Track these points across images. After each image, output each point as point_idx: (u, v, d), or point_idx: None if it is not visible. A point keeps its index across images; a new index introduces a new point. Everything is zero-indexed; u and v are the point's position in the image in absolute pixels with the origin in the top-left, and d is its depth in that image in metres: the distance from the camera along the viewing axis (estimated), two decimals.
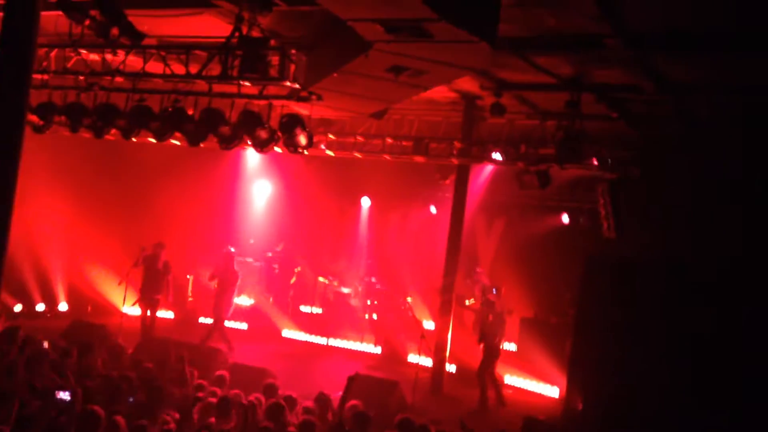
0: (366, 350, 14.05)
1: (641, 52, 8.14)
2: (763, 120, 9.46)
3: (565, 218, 15.05)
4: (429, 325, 14.30)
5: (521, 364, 12.99)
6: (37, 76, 8.62)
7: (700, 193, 10.23)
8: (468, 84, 10.45)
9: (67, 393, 5.81)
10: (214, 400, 7.06)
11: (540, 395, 12.32)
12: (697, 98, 9.72)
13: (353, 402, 7.28)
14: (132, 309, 12.89)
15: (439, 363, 12.01)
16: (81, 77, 8.92)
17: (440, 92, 10.80)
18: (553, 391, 12.19)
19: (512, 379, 12.73)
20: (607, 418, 9.43)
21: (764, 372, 8.47)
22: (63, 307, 14.48)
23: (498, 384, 11.85)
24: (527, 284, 14.33)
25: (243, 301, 16.11)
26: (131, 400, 7.02)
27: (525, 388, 12.59)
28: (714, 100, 9.61)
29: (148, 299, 12.41)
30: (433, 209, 16.16)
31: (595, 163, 10.80)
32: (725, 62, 8.16)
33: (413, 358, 13.19)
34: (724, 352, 8.74)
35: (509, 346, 14.06)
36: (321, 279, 16.07)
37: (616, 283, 9.90)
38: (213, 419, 6.73)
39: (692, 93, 9.49)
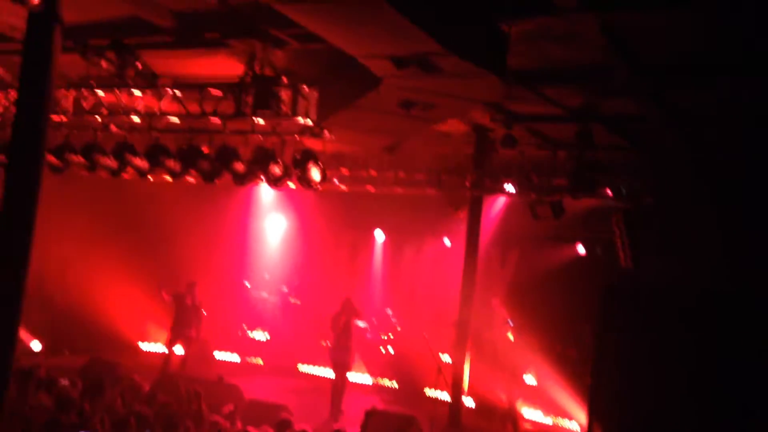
0: (383, 384, 13.93)
1: (649, 82, 8.17)
2: None
3: (581, 249, 14.95)
4: (446, 358, 14.17)
5: (540, 397, 12.81)
6: (55, 117, 8.79)
7: (715, 217, 10.14)
8: (479, 116, 10.52)
9: None
10: None
11: (560, 429, 12.11)
12: (707, 125, 9.70)
13: None
14: (149, 346, 12.93)
15: (457, 396, 11.88)
16: (97, 118, 9.08)
17: (452, 125, 10.87)
18: (573, 425, 11.98)
19: (532, 413, 12.54)
20: None
21: None
22: (81, 345, 14.53)
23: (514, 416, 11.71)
24: (544, 316, 14.17)
25: (259, 335, 16.10)
26: None
27: (544, 422, 12.39)
28: (723, 126, 9.58)
29: (180, 336, 12.47)
30: (447, 242, 16.13)
31: (609, 192, 10.77)
32: (733, 88, 8.16)
33: (431, 392, 13.07)
34: (750, 382, 8.56)
35: (529, 380, 13.89)
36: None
37: (634, 313, 9.78)
38: None
39: (702, 120, 9.48)
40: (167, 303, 12.53)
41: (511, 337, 14.54)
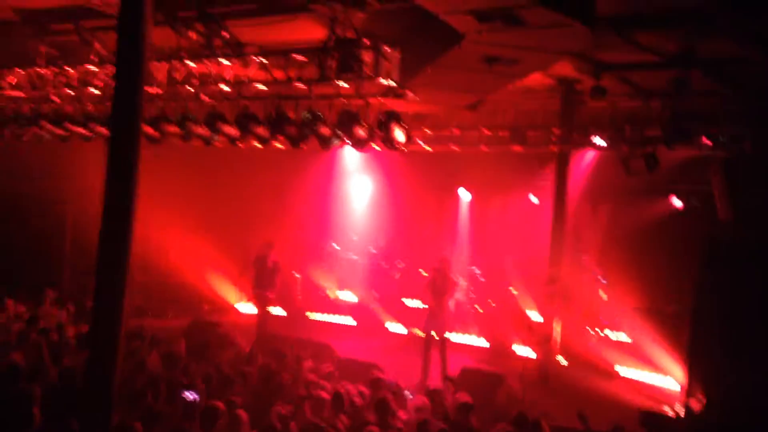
0: (473, 343, 13.99)
1: (750, 20, 7.64)
2: None
3: (677, 202, 14.35)
4: (536, 316, 14.06)
5: (637, 355, 12.53)
6: (150, 90, 9.14)
7: None
8: (565, 68, 10.18)
9: (193, 393, 6.13)
10: (324, 394, 7.25)
11: (658, 387, 11.84)
12: None
13: (463, 398, 7.29)
14: (246, 307, 13.45)
15: (546, 355, 11.80)
16: (189, 88, 9.37)
17: (536, 79, 10.58)
18: (671, 383, 11.68)
19: (628, 371, 12.31)
20: (731, 411, 8.93)
21: None
22: (184, 307, 15.31)
23: None
24: (639, 272, 13.76)
25: (348, 296, 16.46)
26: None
27: (642, 380, 12.14)
28: None
29: (259, 296, 12.92)
30: (534, 198, 15.85)
31: (706, 141, 10.25)
32: None
33: (521, 350, 13.03)
34: None
35: (623, 337, 13.61)
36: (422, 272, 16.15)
37: (736, 267, 9.35)
38: (326, 413, 6.91)
39: None
40: (251, 265, 12.93)
41: (603, 294, 14.25)
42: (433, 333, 11.20)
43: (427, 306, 11.54)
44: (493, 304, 14.71)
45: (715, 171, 10.81)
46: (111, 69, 8.71)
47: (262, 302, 12.92)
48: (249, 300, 13.10)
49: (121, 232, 6.04)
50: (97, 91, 9.96)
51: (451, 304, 11.28)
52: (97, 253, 6.00)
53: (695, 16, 7.54)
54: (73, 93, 10.28)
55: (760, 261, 9.11)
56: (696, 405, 9.75)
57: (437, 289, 11.21)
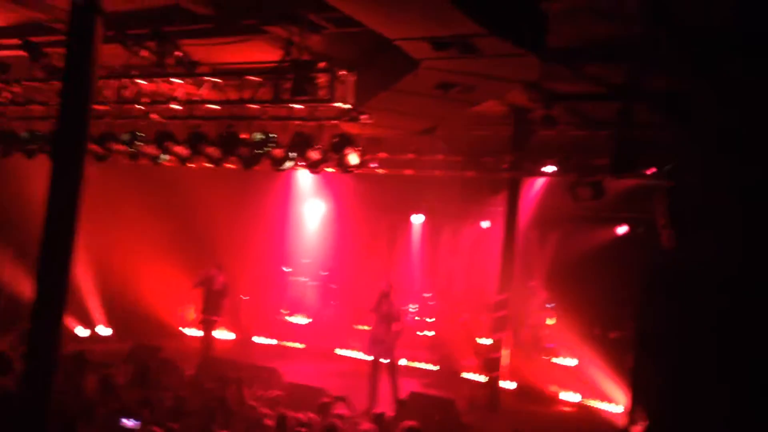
0: (422, 367, 13.97)
1: (694, 56, 7.94)
2: None
3: (622, 229, 14.72)
4: (485, 341, 14.14)
5: (582, 380, 12.70)
6: (97, 107, 8.93)
7: (760, 196, 9.85)
8: (517, 97, 10.38)
9: (131, 420, 5.93)
10: (269, 422, 7.12)
11: (601, 412, 12.01)
12: (754, 101, 9.40)
13: (409, 423, 7.24)
14: (191, 331, 13.15)
15: (495, 379, 11.85)
16: (138, 106, 9.20)
17: (490, 106, 10.74)
18: (615, 408, 11.87)
19: (574, 396, 12.46)
20: None
21: None
22: (124, 331, 14.87)
23: None
24: (585, 298, 14.03)
25: (298, 320, 16.27)
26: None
27: (587, 404, 12.30)
28: None
29: (205, 320, 12.64)
30: (485, 224, 16.03)
31: (651, 171, 10.56)
32: None
33: (469, 375, 13.06)
34: None
35: (569, 362, 13.79)
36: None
37: (677, 294, 9.61)
38: None
39: (748, 96, 9.19)
40: (198, 287, 12.66)
41: (550, 320, 14.45)
42: (382, 359, 11.11)
43: (372, 330, 11.44)
44: (443, 329, 14.73)
45: (659, 200, 11.14)
46: (58, 85, 8.47)
47: (207, 326, 12.64)
48: (195, 324, 12.79)
49: (62, 253, 5.85)
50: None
51: (398, 328, 11.19)
52: (37, 273, 5.80)
53: (639, 51, 7.79)
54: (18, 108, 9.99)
55: (700, 288, 9.37)
56: (638, 429, 9.93)
57: (383, 313, 11.12)
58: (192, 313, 12.79)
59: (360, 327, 15.92)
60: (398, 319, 11.20)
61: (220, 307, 12.69)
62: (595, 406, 12.20)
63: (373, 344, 11.17)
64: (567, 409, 12.27)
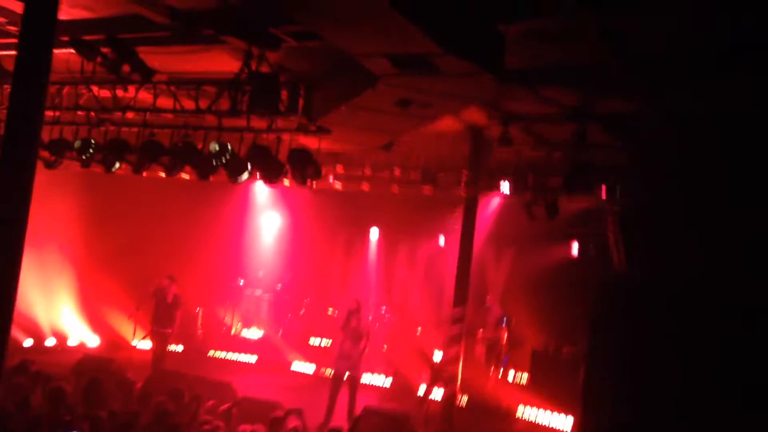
0: (376, 383, 13.94)
1: (645, 80, 8.19)
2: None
3: (575, 248, 14.99)
4: (439, 356, 14.19)
5: (533, 395, 12.85)
6: (49, 113, 8.75)
7: (709, 218, 10.17)
8: (475, 115, 10.52)
9: None
10: None
11: (552, 428, 12.15)
12: (702, 125, 9.72)
13: None
14: (142, 343, 12.88)
15: (450, 394, 11.89)
16: (92, 113, 9.05)
17: (447, 124, 10.87)
18: (566, 422, 12.02)
19: (525, 411, 12.58)
20: None
21: None
22: (72, 342, 14.50)
23: None
24: (538, 315, 14.24)
25: (252, 333, 16.08)
26: None
27: (539, 421, 12.43)
28: (719, 126, 9.61)
29: (157, 333, 12.39)
30: (442, 240, 16.15)
31: (603, 193, 10.81)
32: (729, 88, 8.19)
33: (424, 389, 13.07)
34: (744, 381, 8.62)
35: (521, 378, 13.93)
36: (330, 311, 16.02)
37: (627, 312, 9.82)
38: None
39: (697, 120, 9.51)
40: (149, 299, 12.43)
41: (504, 335, 14.59)
42: (346, 373, 11.06)
43: (338, 346, 11.38)
44: (397, 343, 14.75)
45: (611, 221, 11.40)
46: (8, 89, 8.27)
47: (159, 339, 12.39)
48: (146, 336, 12.53)
49: (8, 262, 5.69)
50: None
51: (365, 345, 11.22)
52: None
53: (592, 74, 7.99)
54: None
55: (649, 306, 9.61)
56: None
57: (351, 329, 11.12)
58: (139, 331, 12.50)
59: (315, 341, 15.85)
60: (366, 336, 11.24)
61: (172, 320, 12.45)
62: (548, 422, 12.33)
63: (340, 359, 11.14)
64: (521, 423, 12.39)
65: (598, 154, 10.50)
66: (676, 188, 10.85)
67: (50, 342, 14.27)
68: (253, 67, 7.66)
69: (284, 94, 7.86)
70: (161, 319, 12.35)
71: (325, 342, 15.90)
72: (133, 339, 12.52)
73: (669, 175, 11.14)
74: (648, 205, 11.06)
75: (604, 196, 10.90)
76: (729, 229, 9.90)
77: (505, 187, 11.35)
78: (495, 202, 13.89)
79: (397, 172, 12.13)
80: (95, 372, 10.06)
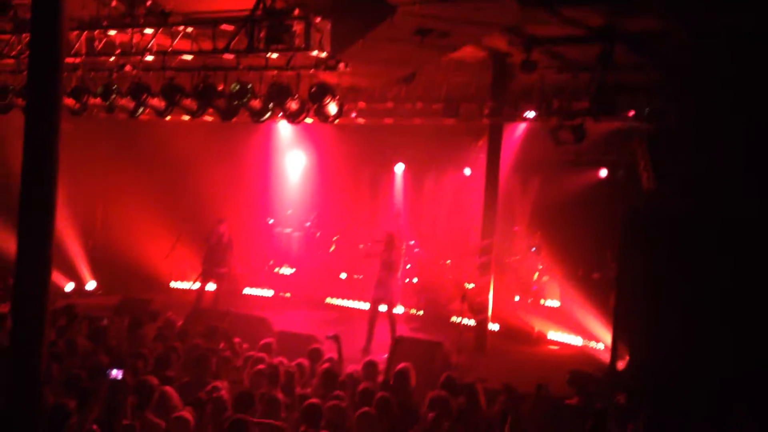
0: (410, 313, 14.18)
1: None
2: None
3: (603, 172, 14.83)
4: (470, 286, 14.34)
5: (567, 320, 12.98)
6: (69, 60, 8.76)
7: (740, 140, 9.93)
8: (496, 41, 10.30)
9: (119, 371, 6.01)
10: (262, 366, 7.22)
11: (585, 350, 12.32)
12: (734, 44, 9.38)
13: (401, 365, 7.38)
14: (179, 283, 13.22)
15: (482, 322, 12.10)
16: (111, 58, 9.03)
17: (468, 52, 10.66)
18: (598, 346, 12.18)
19: (559, 336, 12.76)
20: (653, 370, 9.39)
21: None
22: (112, 284, 14.94)
23: None
24: (567, 241, 14.23)
25: (285, 270, 16.40)
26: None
27: (571, 344, 12.61)
28: (751, 45, 9.26)
29: (212, 274, 12.66)
30: (467, 171, 16.08)
31: (631, 114, 10.58)
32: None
33: (456, 318, 13.30)
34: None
35: (553, 303, 14.07)
36: (360, 246, 16.20)
37: (656, 235, 9.77)
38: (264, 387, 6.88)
39: (729, 39, 9.16)
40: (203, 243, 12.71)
41: (533, 263, 14.66)
42: (382, 303, 11.36)
43: (375, 276, 11.66)
44: (428, 275, 14.91)
45: (639, 143, 11.20)
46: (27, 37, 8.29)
47: (216, 279, 12.65)
48: (198, 277, 12.79)
49: (42, 206, 5.83)
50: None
51: (399, 275, 11.61)
52: (18, 228, 5.79)
53: None
54: None
55: (678, 229, 9.54)
56: (620, 364, 10.23)
57: (386, 261, 11.44)
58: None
59: (344, 276, 16.10)
60: (401, 268, 11.66)
61: (225, 260, 12.73)
62: (580, 344, 12.50)
63: (377, 288, 11.50)
64: (553, 348, 12.59)
65: (625, 75, 10.24)
66: (707, 109, 10.57)
67: (90, 285, 14.73)
68: (268, 3, 7.55)
69: (300, 29, 7.74)
70: (217, 260, 12.62)
71: (357, 276, 16.14)
72: (171, 281, 12.78)
73: (700, 95, 10.84)
74: (677, 126, 10.82)
75: (631, 119, 10.67)
76: (764, 150, 9.68)
77: (529, 113, 11.17)
78: (520, 130, 13.71)
79: (419, 104, 11.99)
80: (135, 312, 10.43)
